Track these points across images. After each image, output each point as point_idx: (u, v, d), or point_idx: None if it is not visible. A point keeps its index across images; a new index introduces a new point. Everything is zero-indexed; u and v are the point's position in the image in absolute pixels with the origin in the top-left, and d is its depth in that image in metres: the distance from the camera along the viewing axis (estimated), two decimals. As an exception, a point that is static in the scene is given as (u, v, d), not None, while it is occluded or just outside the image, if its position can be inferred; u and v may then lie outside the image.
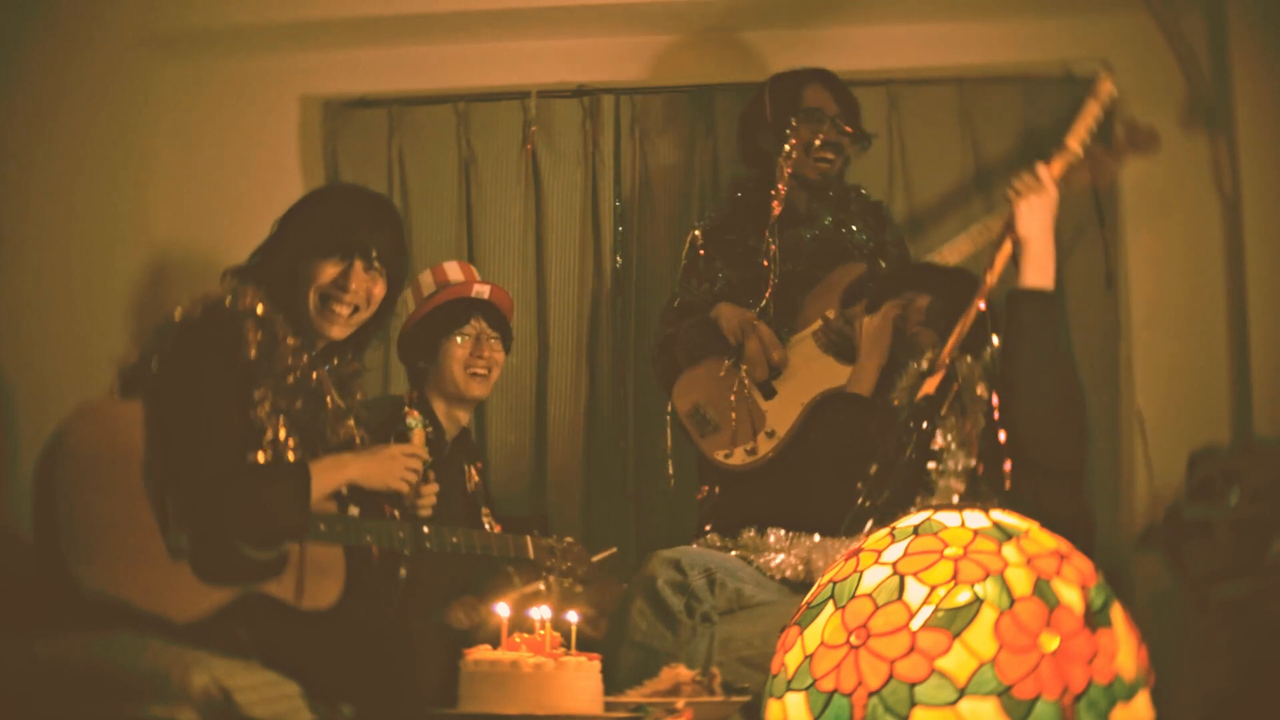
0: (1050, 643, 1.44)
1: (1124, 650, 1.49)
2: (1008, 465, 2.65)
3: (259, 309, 2.57)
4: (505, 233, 3.99)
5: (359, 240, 2.66)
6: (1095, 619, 1.48)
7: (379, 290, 2.71)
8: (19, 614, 2.48)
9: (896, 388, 2.97)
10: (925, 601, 1.47)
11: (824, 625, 1.52)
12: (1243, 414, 3.61)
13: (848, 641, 1.48)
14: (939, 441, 2.76)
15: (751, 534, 2.97)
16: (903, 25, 3.90)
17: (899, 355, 3.07)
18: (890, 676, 1.44)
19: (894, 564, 1.52)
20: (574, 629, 2.37)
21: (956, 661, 1.43)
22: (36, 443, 2.50)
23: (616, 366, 3.92)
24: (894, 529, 1.59)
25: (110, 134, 3.82)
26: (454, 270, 3.31)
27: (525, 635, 2.30)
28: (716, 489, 3.39)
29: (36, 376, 3.38)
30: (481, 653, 2.24)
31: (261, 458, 2.51)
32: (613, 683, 2.41)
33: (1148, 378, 3.74)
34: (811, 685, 1.49)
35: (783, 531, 2.92)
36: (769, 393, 3.35)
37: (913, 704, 1.42)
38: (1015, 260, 2.76)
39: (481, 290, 3.27)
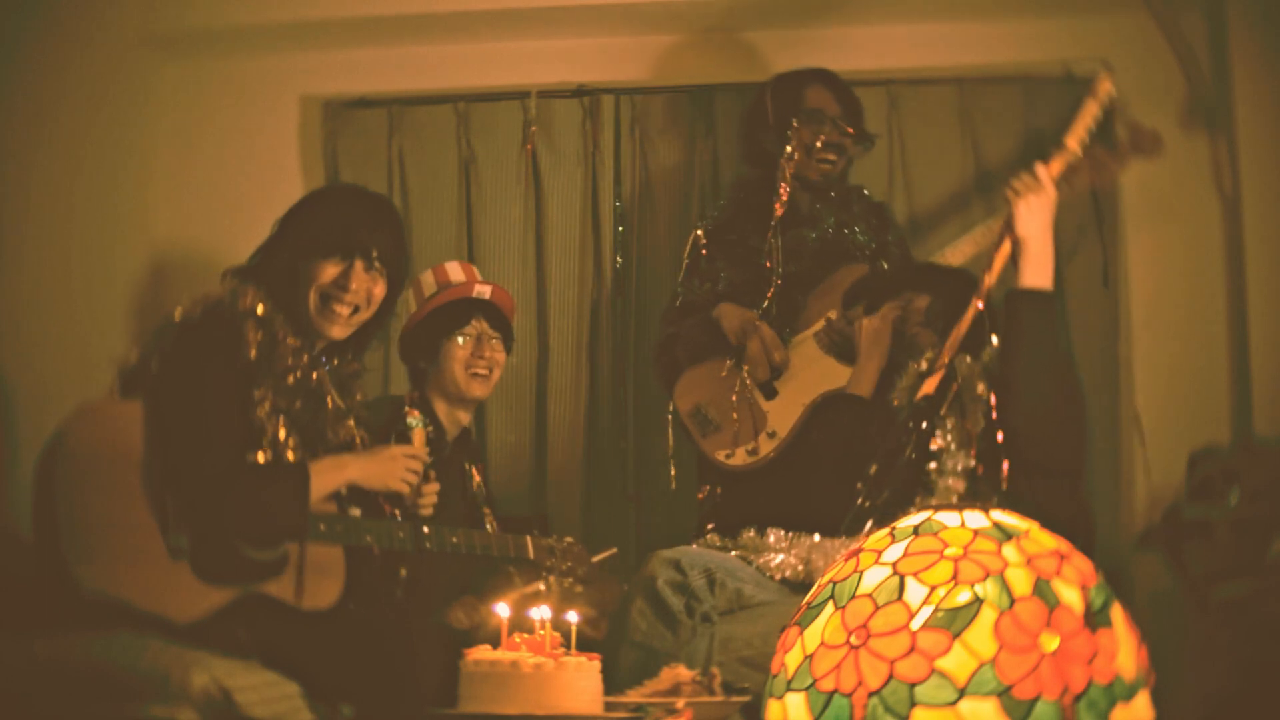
0: (1050, 643, 1.44)
1: (1124, 650, 1.49)
2: (1006, 465, 2.65)
3: (259, 309, 2.57)
4: (505, 233, 3.98)
5: (359, 240, 2.66)
6: (1095, 619, 1.48)
7: (379, 290, 2.72)
8: (19, 614, 2.48)
9: (896, 388, 2.96)
10: (925, 601, 1.47)
11: (824, 625, 1.52)
12: (1243, 414, 3.60)
13: (848, 642, 1.48)
14: (938, 441, 2.76)
15: (751, 534, 2.97)
16: (903, 25, 3.89)
17: (899, 356, 3.06)
18: (890, 676, 1.44)
19: (894, 564, 1.52)
20: (574, 629, 2.37)
21: (956, 661, 1.43)
22: (36, 443, 2.50)
23: (617, 366, 3.92)
24: (894, 529, 1.59)
25: (110, 134, 3.82)
26: (455, 270, 3.31)
27: (525, 635, 2.29)
28: (718, 489, 3.39)
29: (36, 376, 3.38)
30: (481, 653, 2.24)
31: (261, 458, 2.51)
32: (613, 683, 2.41)
33: (1147, 378, 3.74)
34: (811, 685, 1.49)
35: (783, 531, 2.92)
36: (770, 393, 3.34)
37: (913, 704, 1.42)
38: (1014, 260, 2.76)
39: (483, 290, 3.27)
